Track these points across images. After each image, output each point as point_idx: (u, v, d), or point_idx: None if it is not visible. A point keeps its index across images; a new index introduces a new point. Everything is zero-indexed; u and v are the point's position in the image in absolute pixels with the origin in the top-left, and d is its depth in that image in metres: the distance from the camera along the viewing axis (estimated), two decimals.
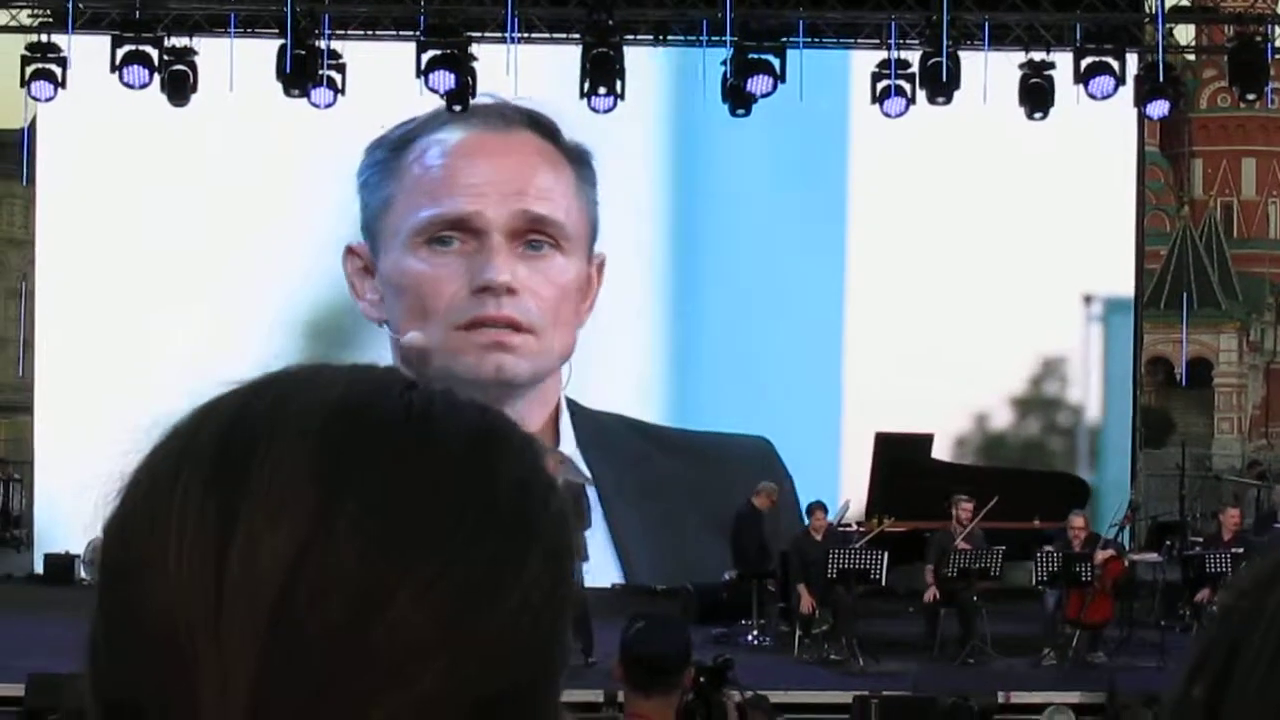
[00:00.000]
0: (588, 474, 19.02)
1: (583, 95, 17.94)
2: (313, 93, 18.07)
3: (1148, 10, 19.36)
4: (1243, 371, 58.28)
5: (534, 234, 18.73)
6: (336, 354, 0.88)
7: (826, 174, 20.32)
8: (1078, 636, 15.65)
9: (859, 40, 19.63)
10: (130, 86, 17.93)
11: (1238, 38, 18.53)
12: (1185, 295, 54.28)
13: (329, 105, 18.27)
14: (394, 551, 0.83)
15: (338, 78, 18.33)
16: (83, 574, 18.14)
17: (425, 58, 17.60)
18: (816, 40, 19.31)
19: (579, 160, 19.09)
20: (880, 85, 18.40)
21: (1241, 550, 15.96)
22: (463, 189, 18.77)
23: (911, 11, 18.77)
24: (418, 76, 17.58)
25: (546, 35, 19.21)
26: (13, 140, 25.97)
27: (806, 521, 16.63)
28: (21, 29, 18.96)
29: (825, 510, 16.52)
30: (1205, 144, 63.04)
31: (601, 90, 17.90)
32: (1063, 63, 18.29)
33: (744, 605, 16.54)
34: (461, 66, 17.66)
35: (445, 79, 17.60)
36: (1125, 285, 21.20)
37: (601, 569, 18.48)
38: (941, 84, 17.88)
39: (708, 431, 19.89)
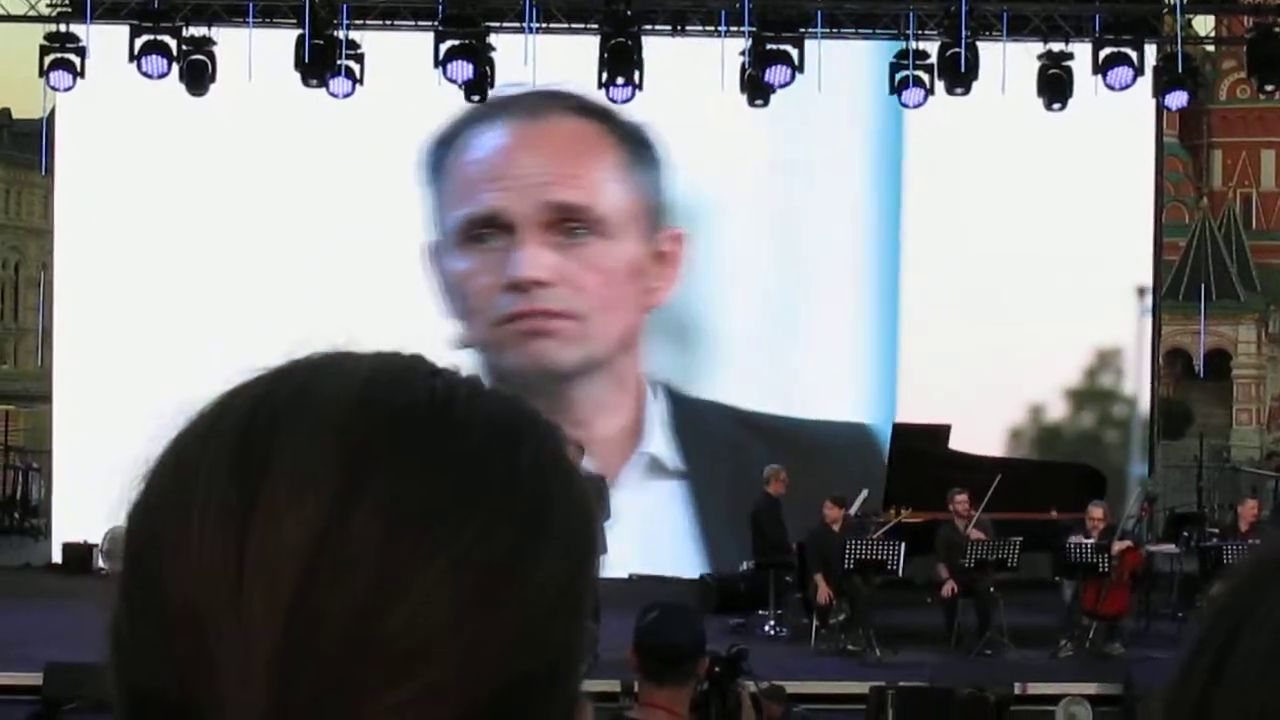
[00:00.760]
0: (681, 465, 18.99)
1: (601, 85, 17.93)
2: (331, 82, 18.08)
3: (1166, 1, 19.29)
4: (1261, 363, 58.03)
5: (569, 222, 18.75)
6: (358, 342, 0.88)
7: (846, 166, 20.24)
8: (1094, 628, 15.64)
9: (877, 30, 19.59)
10: (149, 76, 17.95)
11: (1257, 28, 18.47)
12: (1204, 287, 54.08)
13: (347, 95, 18.28)
14: (413, 537, 0.84)
15: (356, 68, 18.35)
16: (101, 563, 18.16)
17: (443, 48, 17.61)
18: (835, 30, 19.29)
19: (635, 140, 19.06)
20: (899, 76, 18.37)
21: (1259, 541, 15.89)
22: (491, 185, 18.88)
23: (930, 2, 18.74)
24: (436, 66, 17.59)
25: (565, 25, 19.21)
26: (32, 130, 26.04)
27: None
28: (40, 19, 18.98)
29: (842, 504, 16.49)
30: (1224, 135, 62.76)
31: (620, 80, 17.89)
32: (1081, 53, 18.25)
33: (762, 596, 16.55)
34: (479, 56, 17.67)
35: (463, 69, 17.60)
36: (1144, 277, 21.13)
37: (687, 559, 18.55)
38: (960, 74, 17.85)
39: (810, 419, 19.69)
